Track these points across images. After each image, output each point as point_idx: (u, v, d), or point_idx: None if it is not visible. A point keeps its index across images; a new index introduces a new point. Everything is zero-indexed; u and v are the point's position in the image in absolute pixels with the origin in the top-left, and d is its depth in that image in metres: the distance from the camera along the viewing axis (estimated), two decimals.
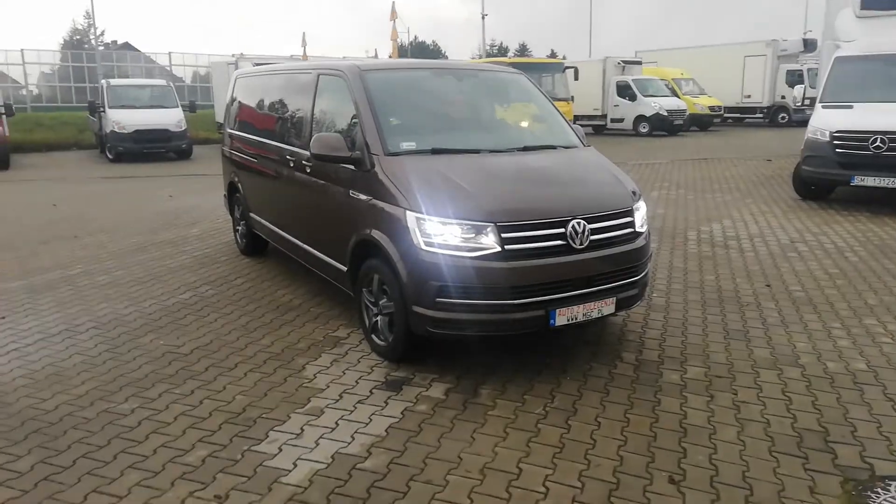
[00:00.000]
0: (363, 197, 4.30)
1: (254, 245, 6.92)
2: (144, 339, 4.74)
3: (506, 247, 3.79)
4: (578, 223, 3.95)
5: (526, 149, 4.68)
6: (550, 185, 4.25)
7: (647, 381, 4.05)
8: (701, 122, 26.96)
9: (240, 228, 7.15)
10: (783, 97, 27.54)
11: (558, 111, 5.33)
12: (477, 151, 4.47)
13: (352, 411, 3.65)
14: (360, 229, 4.31)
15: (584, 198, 4.19)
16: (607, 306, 4.09)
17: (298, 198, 5.36)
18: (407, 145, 4.31)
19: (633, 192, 4.44)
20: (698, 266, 6.58)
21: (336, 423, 3.53)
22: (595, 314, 4.04)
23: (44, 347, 4.58)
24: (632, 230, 4.28)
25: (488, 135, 4.87)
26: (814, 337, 4.75)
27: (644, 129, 24.71)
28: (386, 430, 3.45)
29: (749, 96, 28.49)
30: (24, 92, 36.91)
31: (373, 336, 4.40)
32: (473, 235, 3.78)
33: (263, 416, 3.62)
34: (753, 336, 4.77)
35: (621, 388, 3.96)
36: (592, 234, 4.01)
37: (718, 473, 3.11)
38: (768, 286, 5.92)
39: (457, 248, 3.78)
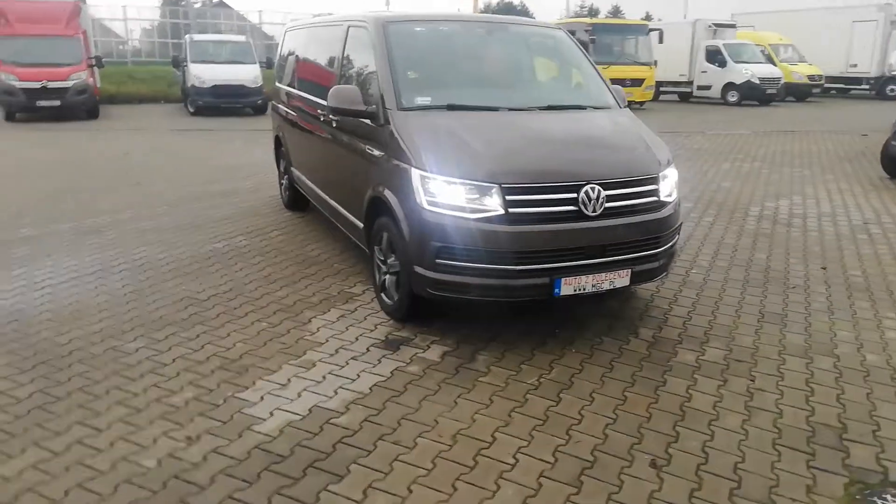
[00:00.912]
0: (377, 153, 4.21)
1: (295, 199, 6.98)
2: (169, 283, 4.89)
3: (510, 210, 3.62)
4: (593, 188, 3.72)
5: (550, 108, 4.44)
6: (567, 147, 4.02)
7: (659, 359, 3.83)
8: (798, 92, 25.16)
9: (283, 182, 7.24)
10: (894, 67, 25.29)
11: (597, 71, 5.03)
12: (496, 109, 4.28)
13: (342, 367, 3.64)
14: (375, 186, 4.24)
15: (602, 162, 3.94)
16: (621, 278, 3.86)
17: (326, 152, 5.34)
18: (422, 100, 4.17)
19: (663, 160, 4.14)
20: (752, 244, 6.15)
21: (324, 377, 3.52)
22: (606, 286, 3.83)
23: (75, 286, 4.81)
24: (656, 199, 4.00)
25: (511, 92, 4.65)
26: (860, 326, 4.34)
27: (733, 97, 23.27)
28: (370, 388, 3.41)
29: (855, 65, 26.29)
30: (124, 47, 38.73)
31: (382, 294, 4.36)
32: (477, 196, 3.63)
33: (257, 364, 3.66)
34: (791, 321, 4.41)
35: (628, 364, 3.76)
36: (609, 202, 3.78)
37: (708, 461, 2.90)
38: (824, 269, 5.46)
39: (460, 208, 3.65)
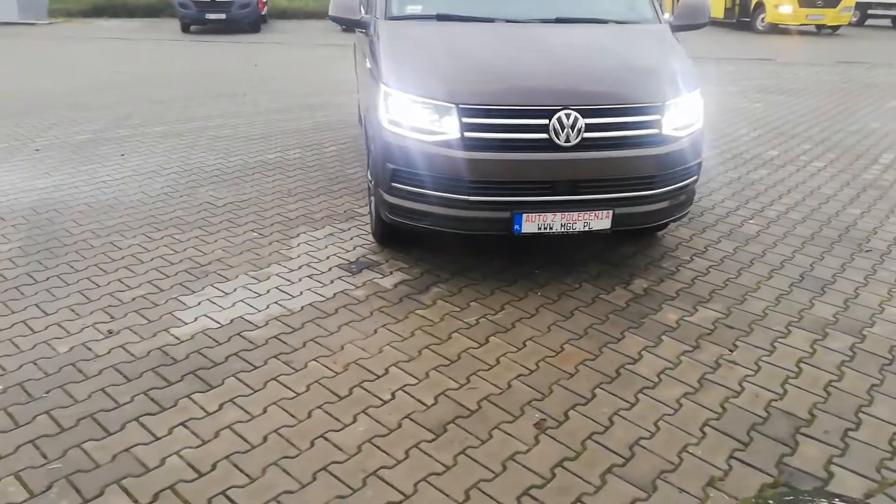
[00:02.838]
0: (369, 65, 4.03)
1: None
2: (201, 188, 5.16)
3: (466, 133, 3.30)
4: (568, 115, 3.27)
5: (559, 20, 3.92)
6: (552, 66, 3.54)
7: (632, 314, 3.39)
8: None
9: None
10: None
11: None
12: (491, 20, 3.86)
13: (293, 283, 3.63)
14: (367, 101, 4.08)
15: (586, 85, 3.44)
16: (599, 220, 3.42)
17: (359, 68, 5.22)
18: (412, 9, 3.88)
19: (678, 87, 3.53)
20: (852, 197, 5.16)
21: (268, 290, 3.55)
22: (580, 227, 3.41)
23: (123, 184, 5.23)
24: (656, 131, 3.45)
25: (517, 1, 4.13)
26: None
27: None
28: (302, 307, 3.38)
29: None
30: None
31: (371, 216, 4.27)
32: (437, 117, 3.35)
33: (219, 271, 3.77)
34: (834, 289, 3.68)
35: (591, 315, 3.37)
36: (589, 131, 3.32)
37: (606, 432, 2.55)
38: None
39: (419, 129, 3.39)
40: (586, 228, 3.43)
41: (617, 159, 3.38)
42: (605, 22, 3.99)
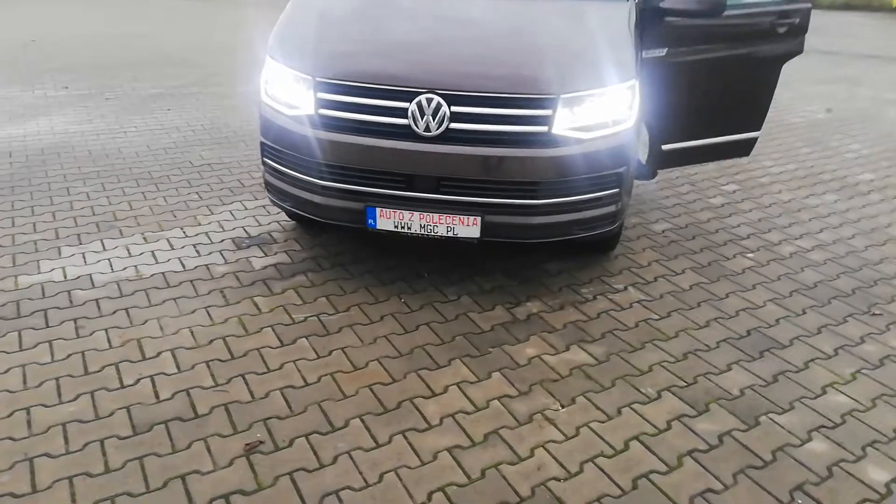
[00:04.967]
0: None
1: None
2: (196, 148, 5.27)
3: (320, 111, 2.96)
4: (429, 100, 2.80)
5: None
6: (435, 44, 3.04)
7: (483, 342, 2.86)
8: None
9: None
10: None
11: None
12: None
13: (172, 250, 3.55)
14: None
15: (459, 66, 2.91)
16: (465, 226, 2.91)
17: None
18: None
19: (586, 78, 2.88)
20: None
21: (141, 253, 3.50)
22: (442, 231, 2.93)
23: (138, 136, 5.50)
24: (544, 129, 2.84)
25: None
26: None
27: None
28: (152, 275, 3.29)
29: None
30: None
31: None
32: (297, 91, 3.03)
33: (124, 227, 3.78)
34: (776, 355, 2.83)
35: (434, 334, 2.90)
36: (456, 121, 2.82)
37: (315, 472, 2.16)
38: None
39: (282, 102, 3.11)
40: (450, 234, 2.94)
41: (488, 158, 2.83)
42: None
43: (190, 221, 3.92)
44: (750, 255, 3.74)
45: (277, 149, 3.14)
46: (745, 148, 4.20)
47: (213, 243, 3.66)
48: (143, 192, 4.33)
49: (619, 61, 2.98)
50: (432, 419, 2.40)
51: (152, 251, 3.54)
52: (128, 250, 3.54)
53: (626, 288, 3.34)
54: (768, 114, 4.06)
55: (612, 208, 3.08)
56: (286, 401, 2.47)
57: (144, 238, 3.69)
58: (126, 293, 3.13)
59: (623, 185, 3.06)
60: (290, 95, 3.07)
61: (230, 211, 4.08)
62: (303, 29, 3.20)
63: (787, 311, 3.17)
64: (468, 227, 2.91)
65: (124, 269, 3.35)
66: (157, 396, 2.46)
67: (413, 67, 2.91)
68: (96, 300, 3.06)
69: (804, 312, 3.17)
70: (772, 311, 3.18)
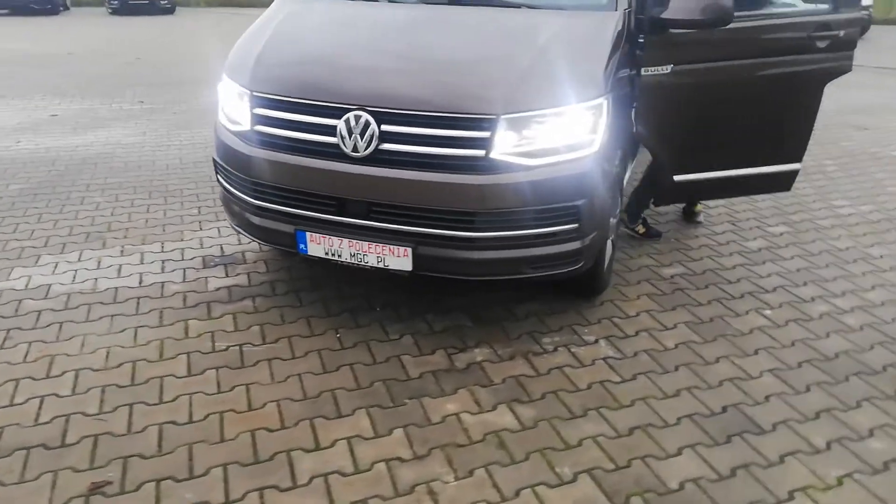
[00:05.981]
0: None
1: None
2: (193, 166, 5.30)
3: (255, 127, 2.80)
4: (357, 117, 2.56)
5: (455, 2, 3.06)
6: (373, 58, 2.80)
7: (403, 391, 2.55)
8: None
9: None
10: None
11: None
12: None
13: (140, 265, 3.51)
14: None
15: (390, 81, 2.64)
16: (396, 257, 2.63)
17: None
18: None
19: (537, 97, 2.52)
20: None
21: (109, 266, 3.49)
22: (372, 261, 2.66)
23: (177, 150, 5.66)
24: (481, 153, 2.50)
25: None
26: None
27: None
28: (105, 289, 3.24)
29: None
30: None
31: None
32: (241, 105, 2.89)
33: (108, 240, 3.81)
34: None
35: (352, 378, 2.62)
36: (386, 141, 2.56)
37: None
38: None
39: (229, 119, 2.99)
40: (381, 265, 2.66)
41: (419, 183, 2.54)
42: (519, 6, 3.00)
43: (175, 237, 3.89)
44: (767, 312, 3.16)
45: (223, 166, 3.02)
46: (782, 182, 3.61)
47: (182, 260, 3.59)
48: (148, 205, 4.38)
49: (581, 78, 2.60)
50: (301, 478, 2.13)
51: (120, 265, 3.52)
52: (98, 262, 3.54)
53: (596, 341, 2.90)
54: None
55: (572, 245, 2.68)
56: (160, 438, 2.28)
57: (122, 251, 3.69)
58: (71, 306, 3.10)
59: (584, 219, 2.64)
60: (233, 111, 2.95)
61: (218, 228, 4.02)
62: (252, 45, 3.06)
63: (784, 387, 2.60)
64: (399, 259, 2.63)
65: (84, 281, 3.34)
66: (36, 419, 2.36)
67: (342, 82, 2.68)
68: (39, 312, 3.05)
69: (807, 390, 2.59)
70: (766, 384, 2.62)
